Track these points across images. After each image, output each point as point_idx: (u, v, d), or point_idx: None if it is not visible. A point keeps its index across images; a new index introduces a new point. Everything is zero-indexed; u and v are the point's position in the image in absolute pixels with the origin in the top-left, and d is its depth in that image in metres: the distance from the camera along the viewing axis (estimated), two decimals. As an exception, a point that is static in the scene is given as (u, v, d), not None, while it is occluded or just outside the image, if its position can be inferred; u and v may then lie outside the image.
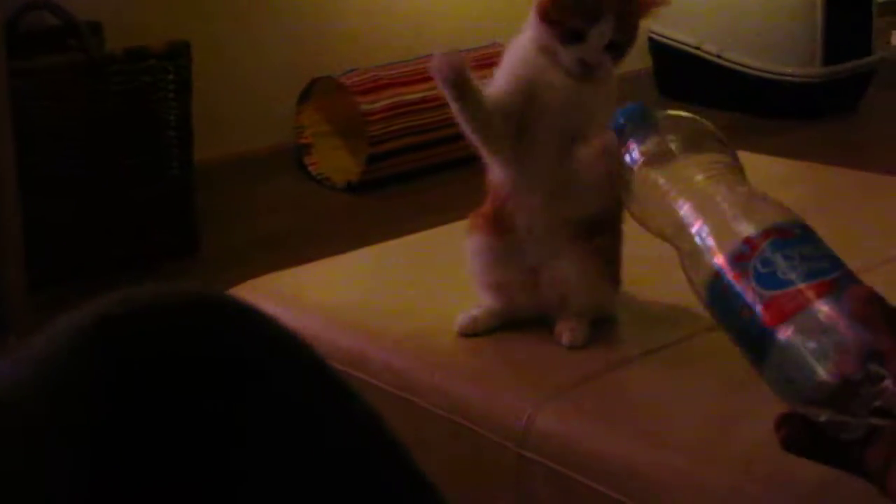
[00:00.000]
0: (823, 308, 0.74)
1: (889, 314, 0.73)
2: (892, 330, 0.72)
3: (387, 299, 1.54)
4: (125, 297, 0.71)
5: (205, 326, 0.72)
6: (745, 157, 2.03)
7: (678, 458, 1.17)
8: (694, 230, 0.81)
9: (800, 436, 0.75)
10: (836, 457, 0.75)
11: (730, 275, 0.78)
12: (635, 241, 1.50)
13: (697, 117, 0.94)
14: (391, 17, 3.90)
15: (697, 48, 4.34)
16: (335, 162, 3.64)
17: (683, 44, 4.37)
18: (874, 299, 0.73)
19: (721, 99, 4.22)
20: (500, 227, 1.38)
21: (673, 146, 0.89)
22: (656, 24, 4.44)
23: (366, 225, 3.17)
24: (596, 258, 1.34)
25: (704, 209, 0.82)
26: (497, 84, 1.38)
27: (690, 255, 0.82)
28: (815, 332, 0.73)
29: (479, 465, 1.27)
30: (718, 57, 4.30)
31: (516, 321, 1.39)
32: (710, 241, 0.80)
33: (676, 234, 0.83)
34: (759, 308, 0.75)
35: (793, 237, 0.78)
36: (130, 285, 0.72)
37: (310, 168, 3.64)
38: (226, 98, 3.51)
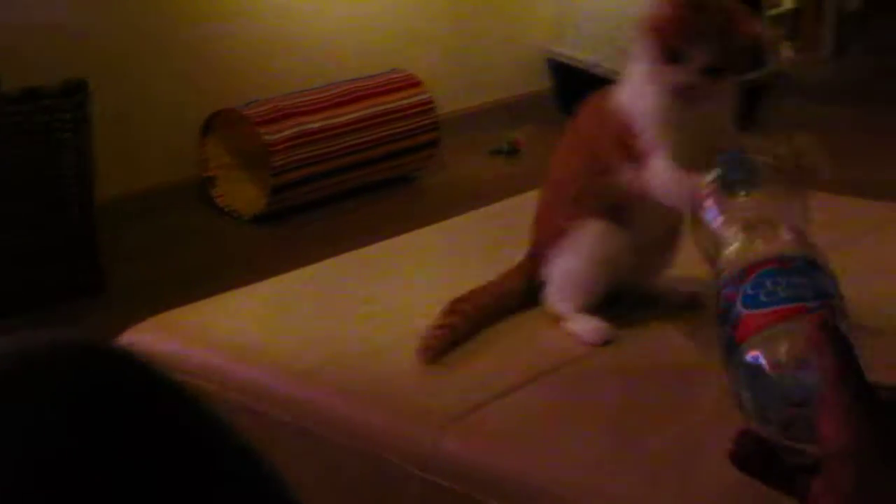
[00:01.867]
0: (787, 330, 0.76)
1: (838, 339, 0.74)
2: (838, 355, 0.73)
3: (291, 330, 1.55)
4: (12, 342, 0.71)
5: (84, 374, 0.72)
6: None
7: (582, 473, 1.18)
8: (718, 250, 0.85)
9: (750, 454, 0.76)
10: (782, 480, 0.76)
11: (725, 295, 0.80)
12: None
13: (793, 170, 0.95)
14: (291, 47, 3.91)
15: (596, 66, 4.39)
16: (241, 193, 3.63)
17: (582, 62, 4.42)
18: (827, 325, 0.75)
19: (622, 116, 4.26)
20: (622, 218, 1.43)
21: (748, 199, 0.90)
22: (556, 45, 4.48)
23: (273, 256, 3.17)
24: None
25: (731, 233, 0.85)
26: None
27: (715, 276, 0.84)
28: (776, 356, 0.75)
29: (385, 491, 1.27)
30: (617, 75, 4.34)
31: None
32: (726, 266, 0.83)
33: (716, 256, 0.86)
34: (733, 325, 0.78)
35: (790, 268, 0.80)
36: (28, 327, 0.72)
37: (216, 200, 3.62)
38: (128, 134, 3.49)
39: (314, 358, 1.43)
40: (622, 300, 1.50)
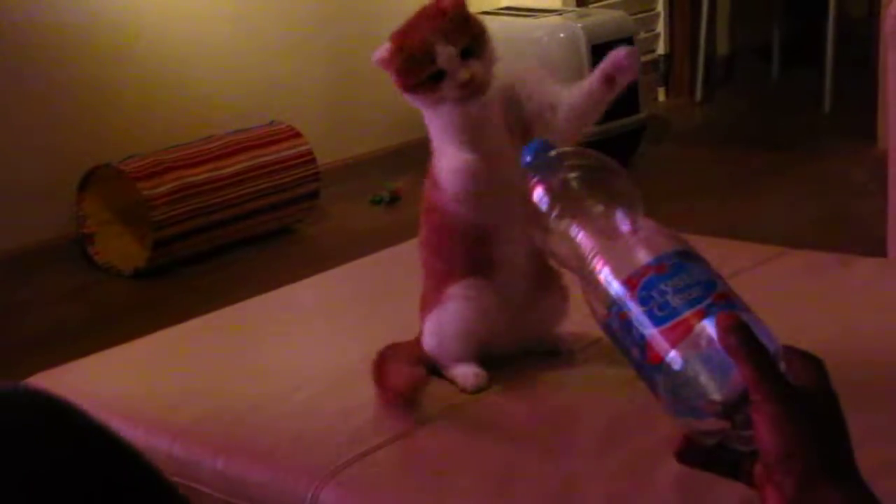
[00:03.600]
0: (700, 335, 0.79)
1: (749, 341, 0.77)
2: (753, 360, 0.76)
3: (170, 387, 1.54)
4: None
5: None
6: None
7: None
8: (592, 266, 0.85)
9: (694, 450, 0.80)
10: (726, 467, 0.80)
11: (616, 314, 0.83)
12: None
13: (595, 152, 0.96)
14: (170, 101, 3.89)
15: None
16: (121, 249, 3.59)
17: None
18: (735, 328, 0.78)
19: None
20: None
21: (575, 183, 0.92)
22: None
23: (155, 311, 3.14)
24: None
25: (601, 246, 0.86)
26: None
27: (591, 289, 0.86)
28: (697, 359, 0.79)
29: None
30: (495, 122, 4.40)
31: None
32: (604, 279, 0.84)
33: (580, 267, 0.87)
34: (640, 347, 0.81)
35: (667, 270, 0.82)
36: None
37: (94, 258, 3.58)
38: (1, 192, 3.44)
39: (192, 414, 1.42)
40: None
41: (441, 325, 1.46)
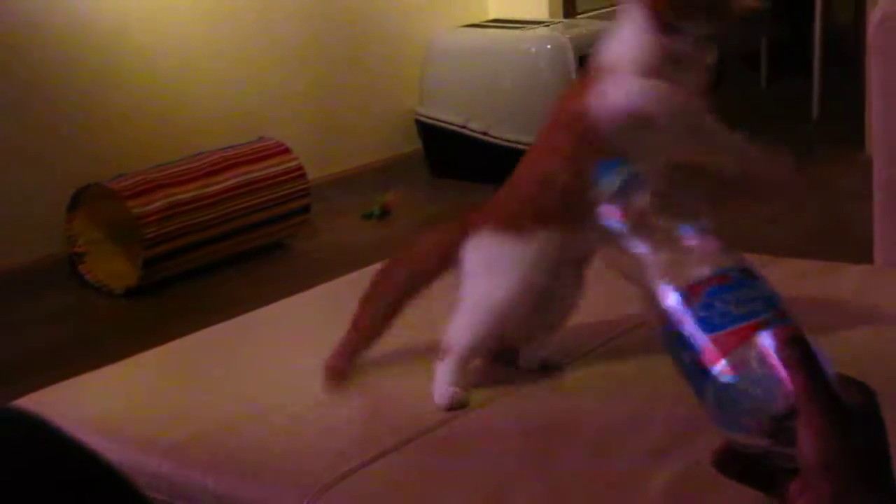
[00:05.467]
0: (755, 347, 0.79)
1: (806, 356, 0.78)
2: (808, 372, 0.77)
3: (159, 406, 1.54)
4: None
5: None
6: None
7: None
8: (651, 275, 0.86)
9: (730, 461, 0.80)
10: (762, 481, 0.80)
11: (675, 319, 0.83)
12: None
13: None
14: (160, 119, 3.89)
15: (464, 127, 4.45)
16: (112, 268, 3.59)
17: (451, 124, 4.48)
18: (795, 341, 0.79)
19: (491, 174, 4.31)
20: None
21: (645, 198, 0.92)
22: (423, 107, 4.53)
23: (147, 329, 3.13)
24: None
25: (665, 256, 0.87)
26: None
27: (649, 298, 0.86)
28: (748, 371, 0.79)
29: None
30: (485, 134, 4.42)
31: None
32: (662, 287, 0.85)
33: (640, 277, 0.88)
34: (698, 351, 0.81)
35: (731, 282, 0.83)
36: None
37: (85, 277, 3.58)
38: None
39: (182, 433, 1.42)
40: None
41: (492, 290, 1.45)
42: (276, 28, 4.23)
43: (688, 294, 0.83)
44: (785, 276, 1.65)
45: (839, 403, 0.77)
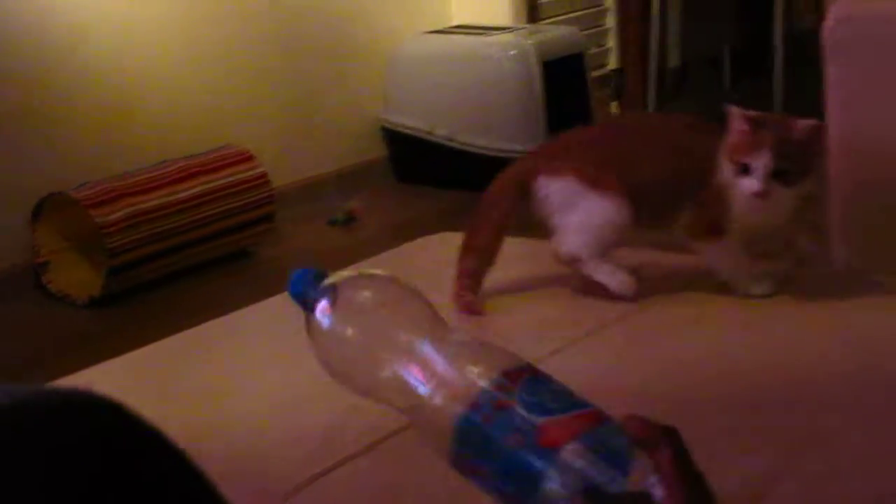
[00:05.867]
0: (602, 434, 0.77)
1: (670, 436, 0.78)
2: (673, 451, 0.77)
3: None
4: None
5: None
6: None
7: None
8: (426, 387, 0.82)
9: None
10: None
11: (487, 412, 0.78)
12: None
13: (379, 273, 0.93)
14: (123, 127, 3.88)
15: (429, 133, 4.46)
16: (75, 277, 3.58)
17: (416, 129, 4.49)
18: (652, 424, 0.78)
19: (456, 180, 4.34)
20: None
21: (367, 307, 0.88)
22: (388, 113, 4.54)
23: (112, 339, 3.12)
24: None
25: (430, 366, 0.82)
26: None
27: (425, 410, 0.82)
28: (593, 459, 0.76)
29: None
30: (450, 140, 4.43)
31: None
32: (451, 392, 0.80)
33: (400, 397, 0.84)
34: (530, 433, 0.76)
35: (544, 375, 0.80)
36: None
37: (48, 287, 3.56)
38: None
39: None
40: None
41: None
42: (241, 36, 4.23)
43: (504, 379, 0.79)
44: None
45: (698, 475, 0.77)
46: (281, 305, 1.92)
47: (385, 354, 0.85)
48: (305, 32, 4.42)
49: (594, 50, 5.04)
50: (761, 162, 1.50)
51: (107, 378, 1.70)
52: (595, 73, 4.82)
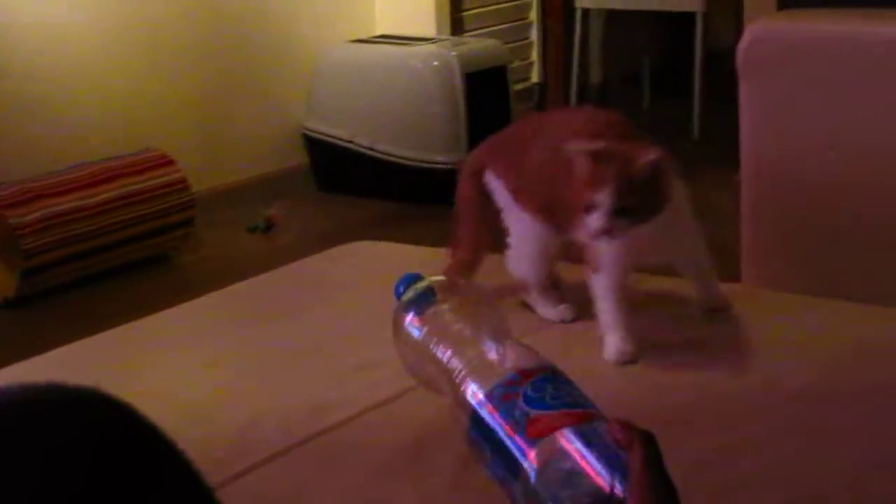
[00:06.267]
0: (584, 430, 0.83)
1: (648, 441, 0.82)
2: (645, 451, 0.81)
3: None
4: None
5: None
6: (387, 248, 2.12)
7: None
8: (457, 373, 0.91)
9: None
10: None
11: (497, 399, 0.87)
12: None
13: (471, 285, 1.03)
14: (41, 128, 3.84)
15: (350, 142, 4.47)
16: (-11, 279, 3.54)
17: (337, 138, 4.49)
18: (630, 426, 0.83)
19: (377, 189, 4.36)
20: None
21: (446, 314, 1.00)
22: (310, 120, 4.55)
23: (23, 341, 3.10)
24: None
25: (473, 364, 0.92)
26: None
27: (459, 399, 0.91)
28: (574, 455, 0.82)
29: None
30: (371, 149, 4.44)
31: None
32: (476, 381, 0.89)
33: (443, 379, 0.93)
34: (522, 423, 0.84)
35: (564, 377, 0.88)
36: None
37: (-41, 288, 3.52)
38: None
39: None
40: None
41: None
42: (164, 39, 4.21)
43: (517, 377, 0.87)
44: (652, 292, 1.70)
45: (667, 478, 0.81)
46: (196, 310, 1.93)
47: (442, 352, 0.96)
48: (229, 38, 4.41)
49: (517, 63, 5.08)
50: (603, 199, 1.45)
51: (19, 380, 1.68)
52: (517, 87, 4.86)
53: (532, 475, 0.82)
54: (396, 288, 1.02)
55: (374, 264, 2.03)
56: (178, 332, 1.85)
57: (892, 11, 1.99)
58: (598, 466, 0.81)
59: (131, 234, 3.71)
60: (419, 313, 0.99)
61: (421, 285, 1.01)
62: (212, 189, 4.26)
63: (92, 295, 3.56)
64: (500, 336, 0.95)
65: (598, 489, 0.80)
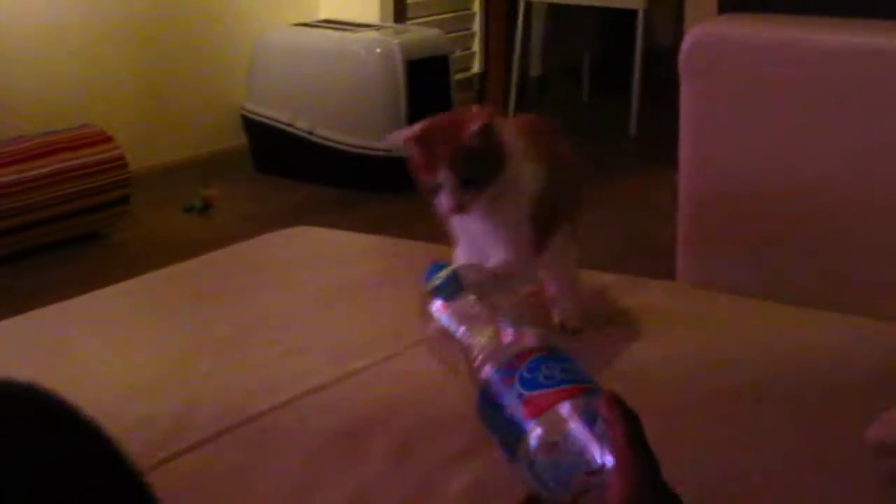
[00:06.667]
0: (577, 407, 0.86)
1: (630, 416, 0.85)
2: (628, 425, 0.84)
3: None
4: None
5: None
6: (326, 234, 2.12)
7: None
8: (474, 352, 0.95)
9: None
10: None
11: (497, 382, 0.91)
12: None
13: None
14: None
15: (290, 125, 4.46)
16: (-80, 250, 3.50)
17: (276, 121, 4.48)
18: (617, 400, 0.86)
19: (315, 174, 4.35)
20: None
21: (470, 300, 1.03)
22: (250, 102, 4.53)
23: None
24: None
25: (483, 336, 0.96)
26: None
27: (470, 368, 0.95)
28: (563, 431, 0.86)
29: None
30: (310, 133, 4.43)
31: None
32: (485, 358, 0.93)
33: (462, 361, 0.97)
34: (516, 405, 0.88)
35: (557, 355, 0.91)
36: None
37: None
38: None
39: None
40: None
41: None
42: (105, 15, 4.17)
43: (514, 360, 0.91)
44: (588, 288, 1.72)
45: (650, 455, 0.85)
46: (130, 290, 1.93)
47: (463, 335, 0.99)
48: (172, 17, 4.38)
49: (459, 53, 5.10)
50: (445, 177, 1.43)
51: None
52: (459, 76, 4.87)
53: (530, 453, 0.86)
54: (424, 276, 1.06)
55: (312, 249, 2.04)
56: (113, 312, 1.84)
57: (830, 19, 2.02)
58: (589, 441, 0.85)
59: (66, 210, 3.68)
60: (444, 299, 1.03)
61: (445, 273, 1.05)
62: (149, 167, 4.23)
63: (24, 271, 3.53)
64: (516, 321, 0.98)
65: (588, 463, 0.84)
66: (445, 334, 1.00)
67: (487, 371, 0.92)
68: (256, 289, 1.84)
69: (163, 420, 1.41)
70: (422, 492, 1.27)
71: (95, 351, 1.66)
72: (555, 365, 0.90)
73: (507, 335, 0.95)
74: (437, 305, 1.03)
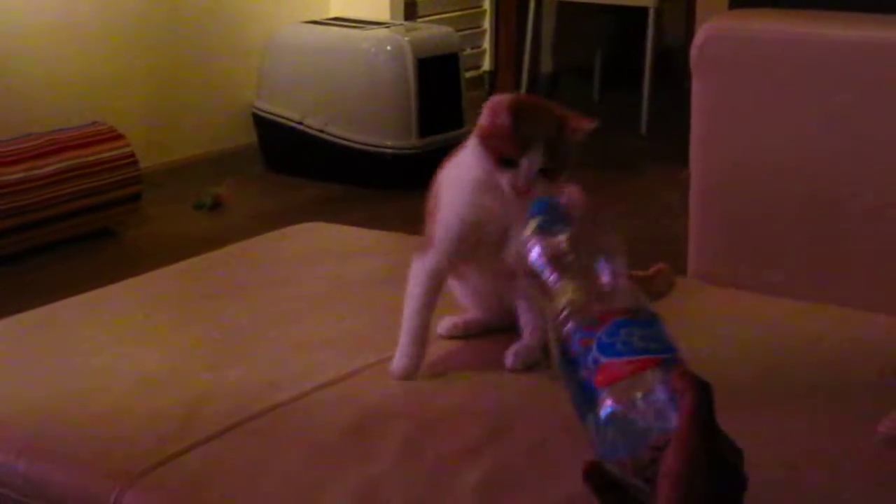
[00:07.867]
0: (647, 380, 0.86)
1: (701, 388, 0.85)
2: (699, 400, 0.84)
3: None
4: None
5: None
6: (335, 230, 2.13)
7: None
8: (561, 302, 0.92)
9: (598, 476, 0.87)
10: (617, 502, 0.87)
11: (577, 340, 0.89)
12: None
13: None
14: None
15: (301, 123, 4.46)
16: (-68, 247, 3.50)
17: (287, 119, 4.48)
18: (688, 374, 0.86)
19: (326, 172, 4.35)
20: None
21: (569, 244, 0.98)
22: (261, 100, 4.53)
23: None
24: None
25: (573, 285, 0.93)
26: (448, 229, 1.53)
27: (553, 321, 0.92)
28: (634, 400, 0.85)
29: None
30: (321, 131, 4.43)
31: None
32: (570, 314, 0.91)
33: (548, 302, 0.94)
34: (591, 370, 0.87)
35: (639, 318, 0.89)
36: None
37: None
38: None
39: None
40: None
41: None
42: (116, 13, 4.17)
43: (597, 320, 0.89)
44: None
45: (714, 430, 0.84)
46: (140, 285, 1.93)
47: (553, 282, 0.94)
48: (183, 15, 4.38)
49: (469, 51, 5.09)
50: (532, 156, 1.39)
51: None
52: (469, 74, 4.86)
53: (599, 420, 0.86)
54: (529, 212, 1.00)
55: (322, 245, 2.04)
56: (124, 307, 1.84)
57: (841, 14, 2.02)
58: (657, 414, 0.85)
59: (77, 207, 3.68)
60: (542, 240, 0.97)
61: (547, 216, 0.99)
62: (160, 165, 4.23)
63: (36, 267, 3.53)
64: (615, 267, 0.94)
65: (656, 436, 0.84)
66: (536, 279, 0.96)
67: (570, 328, 0.90)
68: (266, 285, 1.84)
69: (172, 415, 1.41)
70: (430, 487, 1.27)
71: (105, 346, 1.65)
72: (635, 331, 0.88)
73: (604, 276, 0.93)
74: (535, 249, 0.97)
